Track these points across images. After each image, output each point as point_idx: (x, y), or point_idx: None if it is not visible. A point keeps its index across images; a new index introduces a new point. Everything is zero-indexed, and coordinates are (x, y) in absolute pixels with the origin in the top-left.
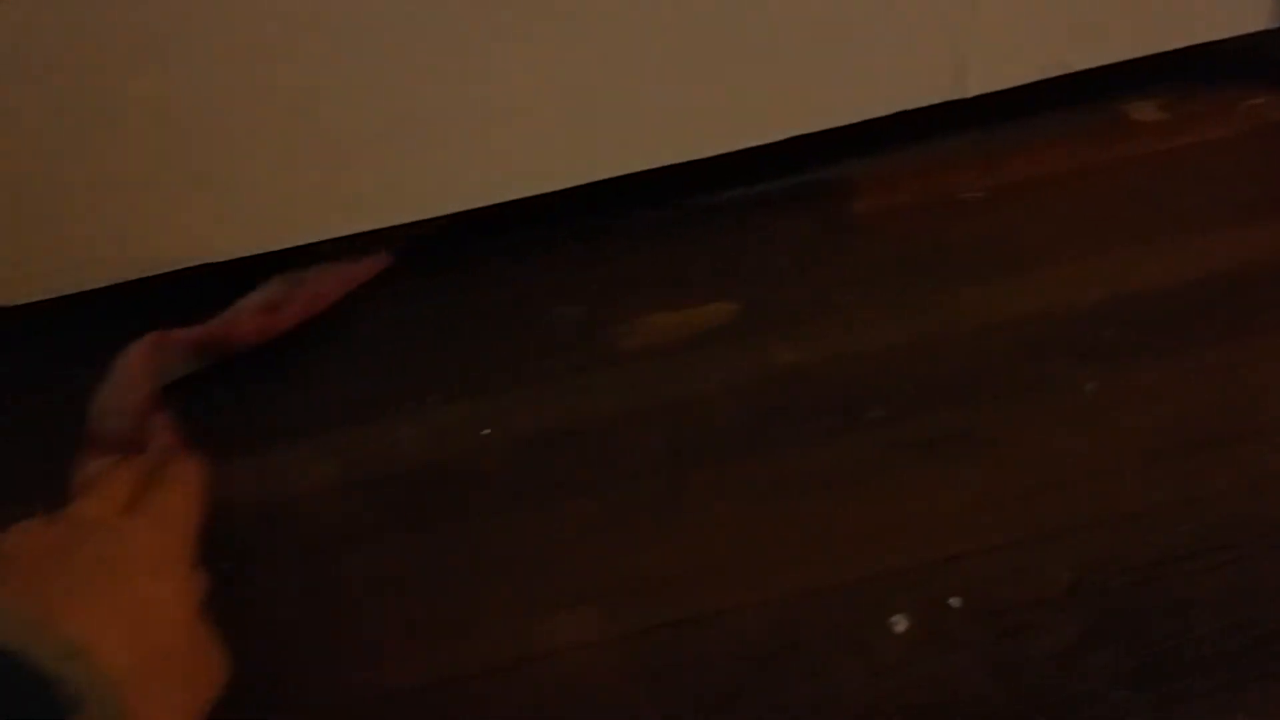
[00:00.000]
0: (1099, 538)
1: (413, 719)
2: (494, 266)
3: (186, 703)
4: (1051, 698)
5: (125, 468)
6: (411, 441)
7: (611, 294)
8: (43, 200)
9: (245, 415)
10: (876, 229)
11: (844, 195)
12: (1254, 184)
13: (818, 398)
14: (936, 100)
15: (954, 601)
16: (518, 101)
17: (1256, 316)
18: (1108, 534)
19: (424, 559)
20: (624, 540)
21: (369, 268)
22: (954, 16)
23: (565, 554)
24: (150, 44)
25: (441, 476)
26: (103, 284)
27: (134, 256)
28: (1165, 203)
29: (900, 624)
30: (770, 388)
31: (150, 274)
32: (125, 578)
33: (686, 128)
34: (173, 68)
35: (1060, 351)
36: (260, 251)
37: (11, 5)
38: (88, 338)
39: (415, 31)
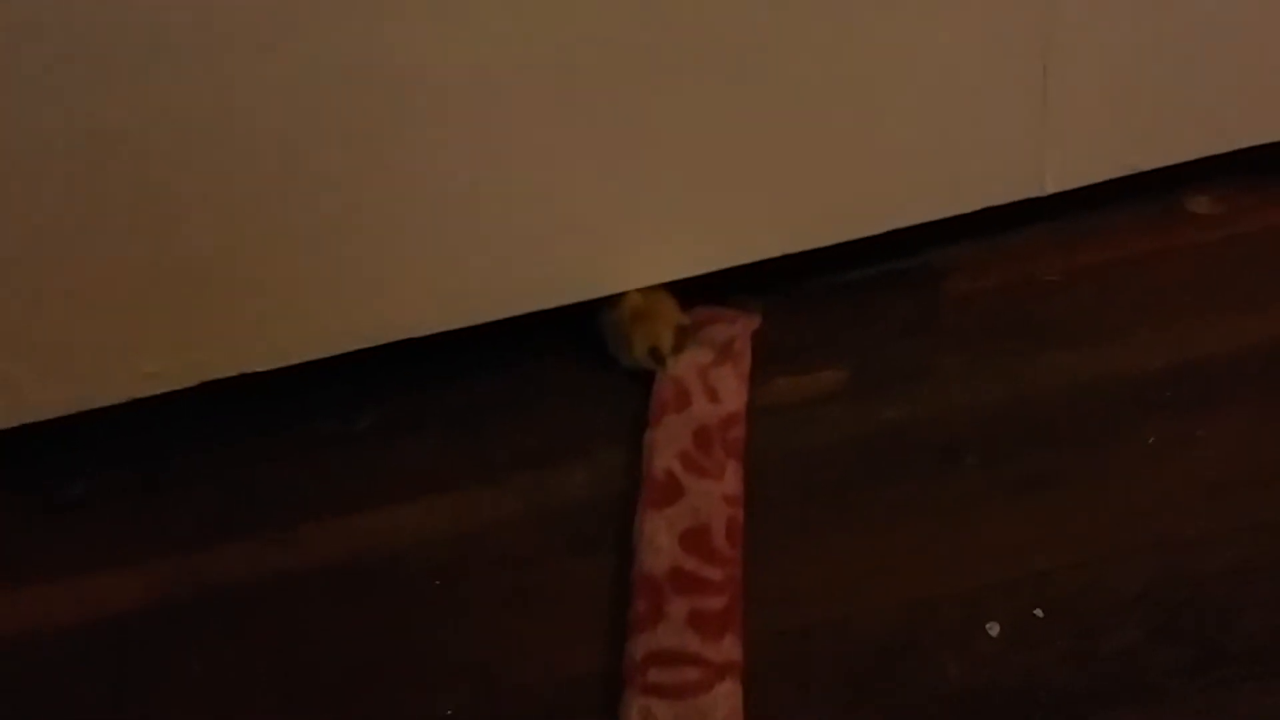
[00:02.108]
0: (1159, 559)
1: (597, 699)
2: None
3: None
4: (1120, 686)
5: None
6: (581, 483)
7: None
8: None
9: (446, 459)
10: (967, 307)
11: (939, 278)
12: None
13: (921, 447)
14: (1018, 197)
15: (1038, 611)
16: (655, 201)
17: None
18: (1166, 556)
19: (589, 579)
20: (760, 560)
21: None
22: (1032, 127)
23: None
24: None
25: (607, 511)
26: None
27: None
28: (1220, 284)
29: (994, 629)
30: (880, 439)
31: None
32: None
33: (804, 222)
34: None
35: (1128, 408)
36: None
37: None
38: None
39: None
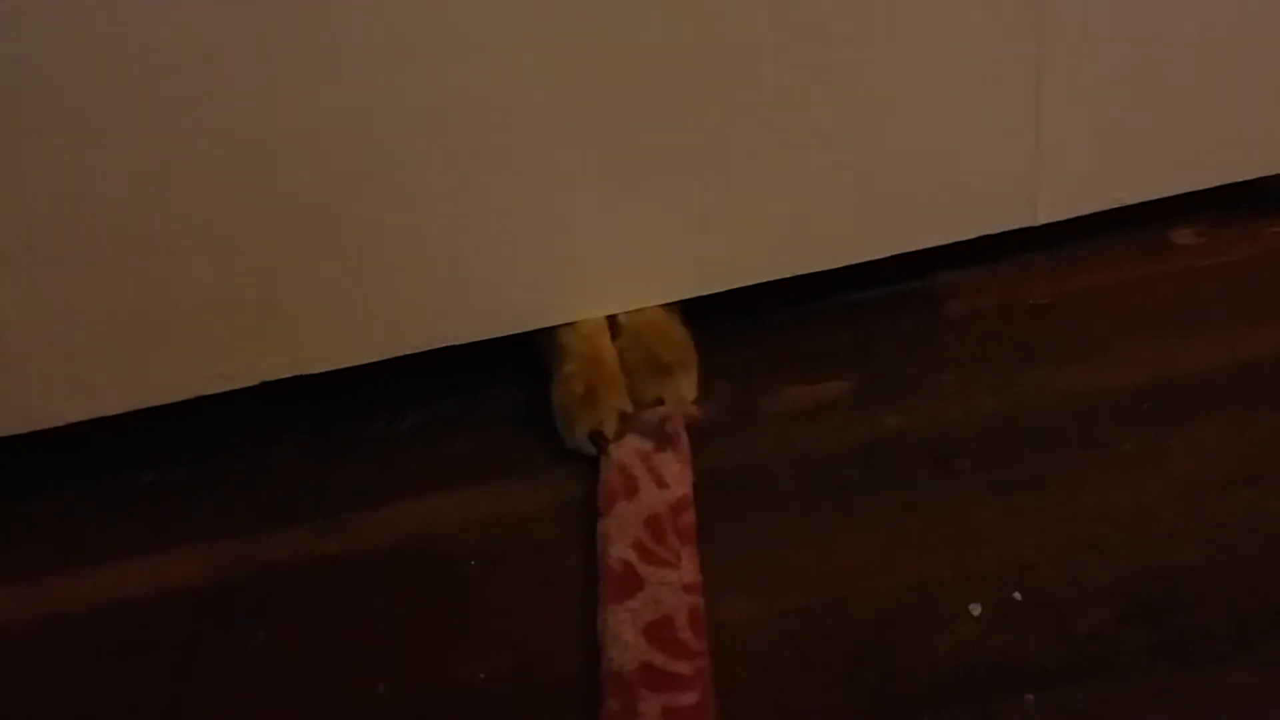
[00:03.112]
0: (1131, 552)
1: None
2: None
3: None
4: (1090, 662)
5: None
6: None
7: (757, 372)
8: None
9: (482, 456)
10: (964, 326)
11: (938, 300)
12: (1271, 294)
13: (918, 452)
14: (1013, 227)
15: (1017, 595)
16: (681, 223)
17: (1265, 397)
18: (1138, 550)
19: None
20: (771, 548)
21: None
22: (1026, 162)
23: (729, 557)
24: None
25: None
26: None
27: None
28: (1197, 309)
29: (977, 610)
30: (880, 444)
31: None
32: None
33: (814, 245)
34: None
35: (1108, 419)
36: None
37: None
38: None
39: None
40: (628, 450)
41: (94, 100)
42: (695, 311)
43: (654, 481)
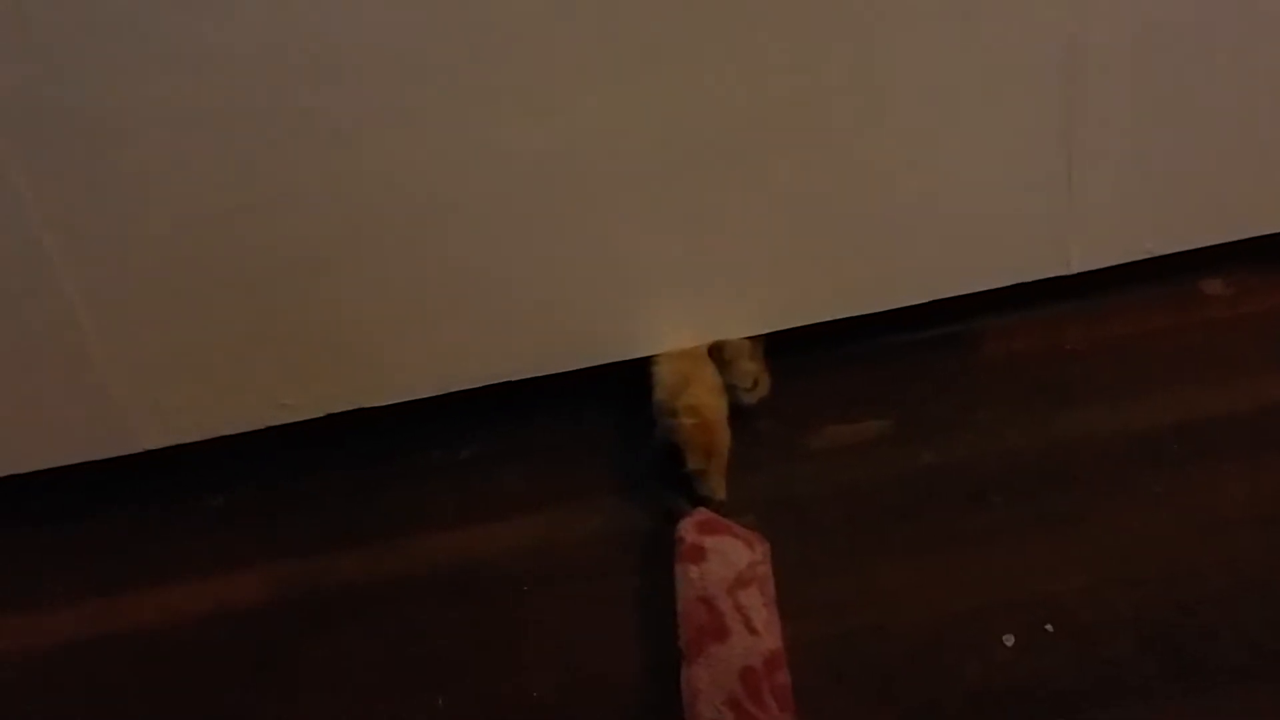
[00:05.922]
0: (1154, 585)
1: (658, 686)
2: None
3: None
4: (1113, 687)
5: None
6: (646, 511)
7: (801, 410)
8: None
9: (535, 485)
10: (999, 368)
11: (975, 343)
12: None
13: (954, 488)
14: (1047, 275)
15: (1049, 626)
16: (737, 270)
17: None
18: (1160, 583)
19: (654, 588)
20: (812, 577)
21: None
22: (1059, 215)
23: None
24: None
25: (669, 534)
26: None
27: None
28: (1224, 355)
29: (1010, 640)
30: (917, 479)
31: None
32: None
33: (859, 290)
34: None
35: (1136, 459)
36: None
37: None
38: None
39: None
40: (712, 581)
41: (172, 149)
42: None
43: (744, 625)
